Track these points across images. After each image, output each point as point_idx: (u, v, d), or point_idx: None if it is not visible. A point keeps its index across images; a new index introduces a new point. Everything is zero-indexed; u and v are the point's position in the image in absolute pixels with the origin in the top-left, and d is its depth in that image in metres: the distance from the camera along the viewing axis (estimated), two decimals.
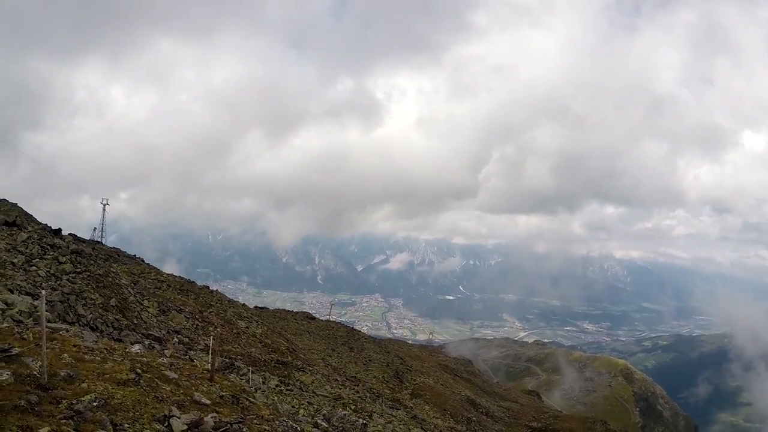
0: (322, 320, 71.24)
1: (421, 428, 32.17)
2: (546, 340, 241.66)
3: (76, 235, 26.27)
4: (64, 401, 8.10)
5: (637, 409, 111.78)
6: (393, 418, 30.69)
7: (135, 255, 50.03)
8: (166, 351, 16.07)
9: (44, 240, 20.61)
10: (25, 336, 10.84)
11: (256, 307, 64.94)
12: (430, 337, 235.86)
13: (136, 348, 14.28)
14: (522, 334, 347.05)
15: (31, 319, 13.41)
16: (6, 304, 13.81)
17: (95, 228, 74.33)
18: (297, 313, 71.89)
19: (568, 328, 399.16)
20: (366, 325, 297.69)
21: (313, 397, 24.71)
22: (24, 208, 39.69)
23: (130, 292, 23.43)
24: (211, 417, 9.91)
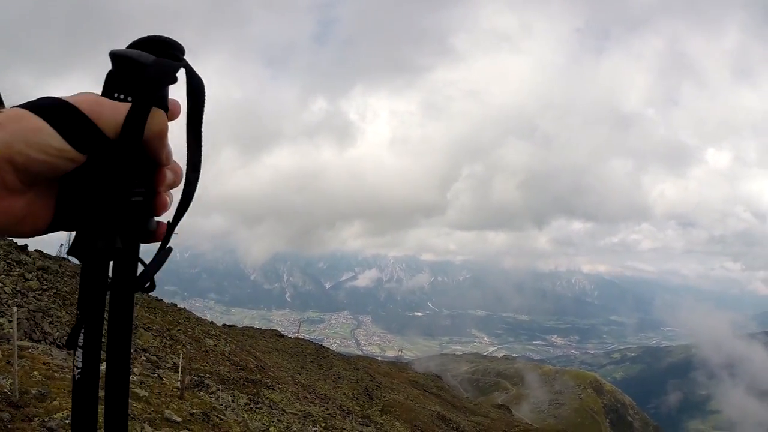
0: (290, 338, 70.69)
1: None
2: (515, 355, 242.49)
3: (42, 252, 25.86)
4: (36, 419, 8.08)
5: (607, 420, 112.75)
6: None
7: None
8: (135, 369, 15.96)
9: (10, 256, 20.33)
10: None
11: (224, 324, 64.15)
12: (399, 353, 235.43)
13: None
14: (491, 349, 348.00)
15: None
16: None
17: (62, 244, 72.68)
18: (265, 330, 71.22)
19: (537, 342, 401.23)
20: (335, 342, 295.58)
21: (283, 414, 24.59)
22: None
23: None
24: None
